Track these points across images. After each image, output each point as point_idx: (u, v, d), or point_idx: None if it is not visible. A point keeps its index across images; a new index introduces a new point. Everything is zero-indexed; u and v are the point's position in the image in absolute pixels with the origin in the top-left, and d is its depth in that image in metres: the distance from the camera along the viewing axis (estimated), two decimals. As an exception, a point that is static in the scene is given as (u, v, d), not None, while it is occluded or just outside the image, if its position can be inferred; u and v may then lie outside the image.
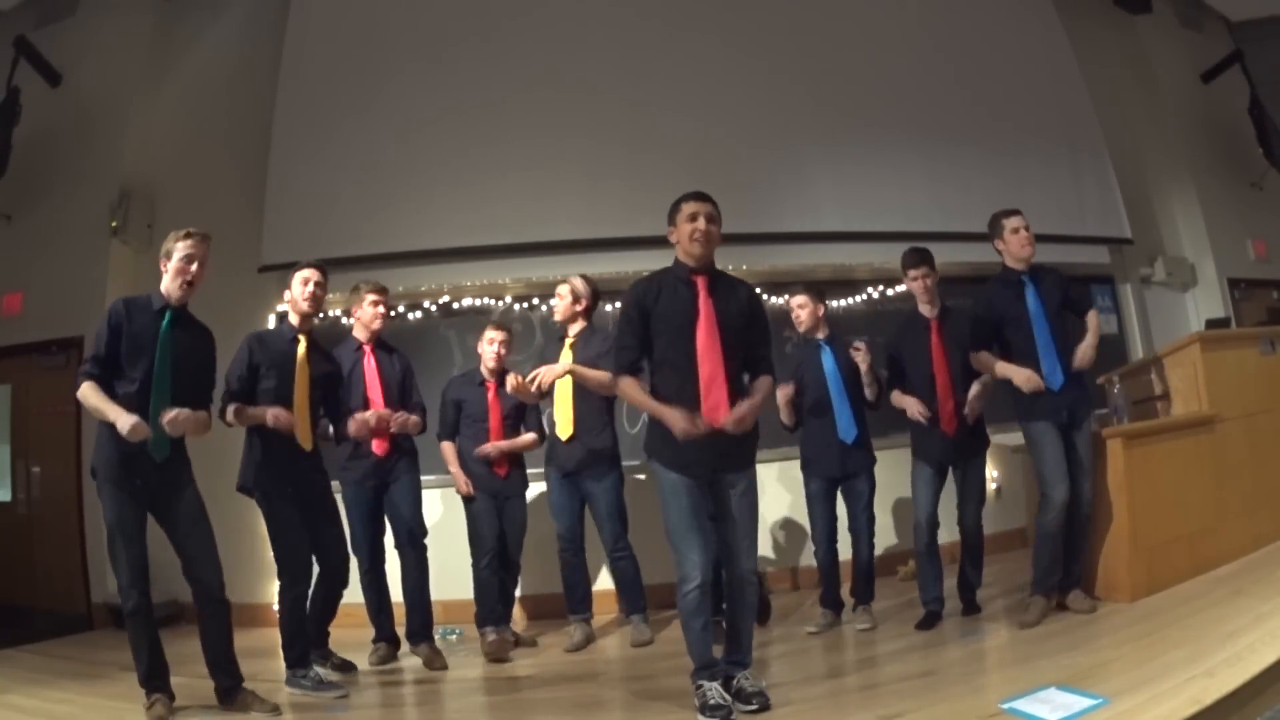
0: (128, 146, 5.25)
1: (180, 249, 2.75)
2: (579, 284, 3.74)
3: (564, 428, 3.62)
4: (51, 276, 5.10)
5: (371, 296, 3.55)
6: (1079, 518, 3.21)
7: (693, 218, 2.51)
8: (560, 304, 3.74)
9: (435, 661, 3.40)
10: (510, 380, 3.51)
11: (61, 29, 5.51)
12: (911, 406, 3.42)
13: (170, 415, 2.63)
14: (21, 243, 5.21)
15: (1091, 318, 3.33)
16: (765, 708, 2.40)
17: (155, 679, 2.68)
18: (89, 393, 2.64)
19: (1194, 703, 1.95)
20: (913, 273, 3.50)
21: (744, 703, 2.42)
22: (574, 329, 3.70)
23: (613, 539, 3.65)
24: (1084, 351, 3.21)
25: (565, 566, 3.72)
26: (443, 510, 4.28)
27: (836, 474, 3.57)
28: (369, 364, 3.51)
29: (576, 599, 3.73)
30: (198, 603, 2.76)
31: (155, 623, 2.72)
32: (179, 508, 2.74)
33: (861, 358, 3.48)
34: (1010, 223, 3.33)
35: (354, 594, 3.58)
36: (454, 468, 3.69)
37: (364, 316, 3.56)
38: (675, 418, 2.37)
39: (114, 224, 4.99)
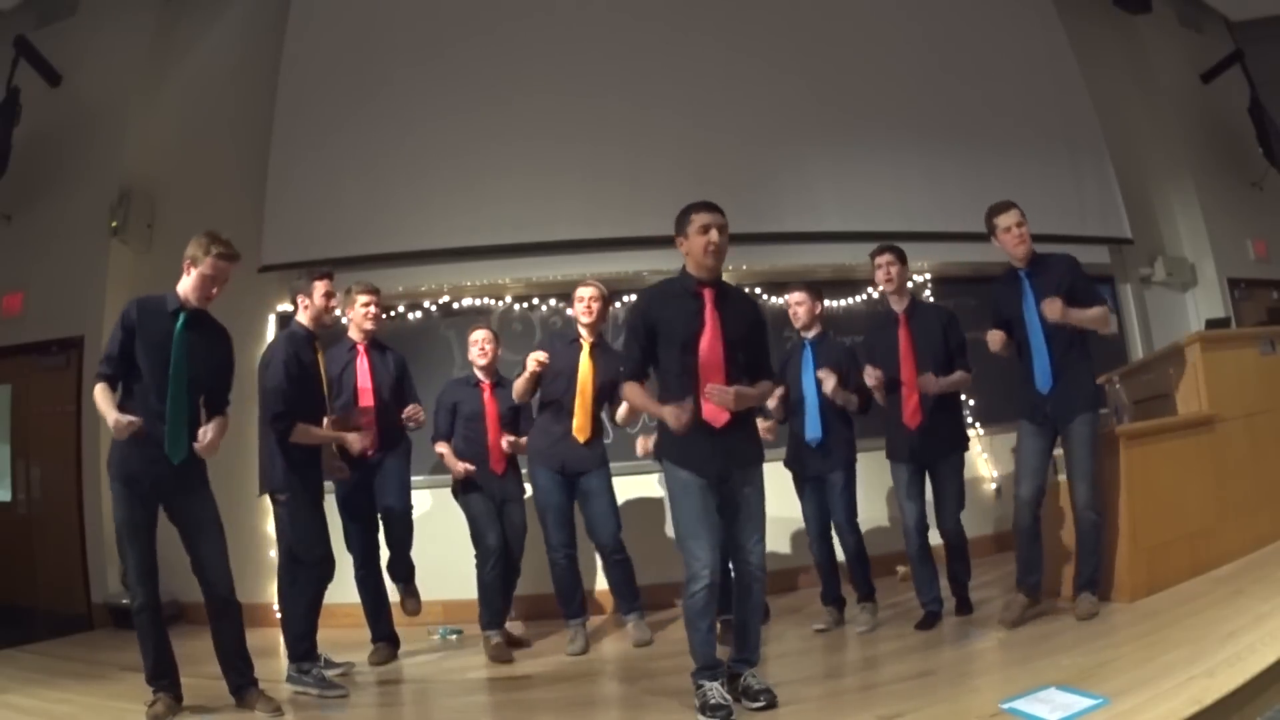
0: (128, 146, 5.25)
1: (207, 267, 2.71)
2: (599, 284, 3.72)
3: (583, 430, 3.58)
4: (51, 276, 5.10)
5: (363, 298, 3.55)
6: (1078, 521, 3.17)
7: (705, 229, 2.49)
8: (596, 307, 3.62)
9: (408, 605, 3.45)
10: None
11: (61, 29, 5.51)
12: (869, 375, 3.38)
13: (202, 442, 2.67)
14: (21, 243, 5.21)
15: (1094, 309, 3.08)
16: (772, 705, 2.41)
17: (161, 677, 2.69)
18: (97, 394, 2.67)
19: (1194, 703, 1.95)
20: (880, 259, 3.48)
21: (751, 700, 2.43)
22: (589, 336, 3.66)
23: (612, 539, 3.63)
24: (1060, 302, 3.03)
25: (560, 570, 3.62)
26: (441, 511, 4.28)
27: (811, 472, 3.57)
28: (361, 364, 3.53)
29: (576, 604, 3.66)
30: (207, 603, 2.77)
31: (162, 620, 2.72)
32: (190, 510, 2.75)
33: (828, 383, 3.42)
34: (1001, 221, 3.21)
35: (353, 594, 3.58)
36: (451, 461, 3.66)
37: (355, 317, 3.57)
38: (668, 413, 2.44)
39: (114, 224, 5.00)
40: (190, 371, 2.71)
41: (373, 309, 3.56)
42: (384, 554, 3.60)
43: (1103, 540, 3.16)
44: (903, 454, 3.44)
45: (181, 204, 5.22)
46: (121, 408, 2.65)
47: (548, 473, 3.60)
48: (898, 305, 3.49)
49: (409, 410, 3.55)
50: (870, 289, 5.18)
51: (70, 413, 4.90)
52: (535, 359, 3.51)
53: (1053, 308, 3.04)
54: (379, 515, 3.54)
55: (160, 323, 2.71)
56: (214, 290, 2.76)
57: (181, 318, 2.72)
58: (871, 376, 3.37)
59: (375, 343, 3.62)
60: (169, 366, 2.67)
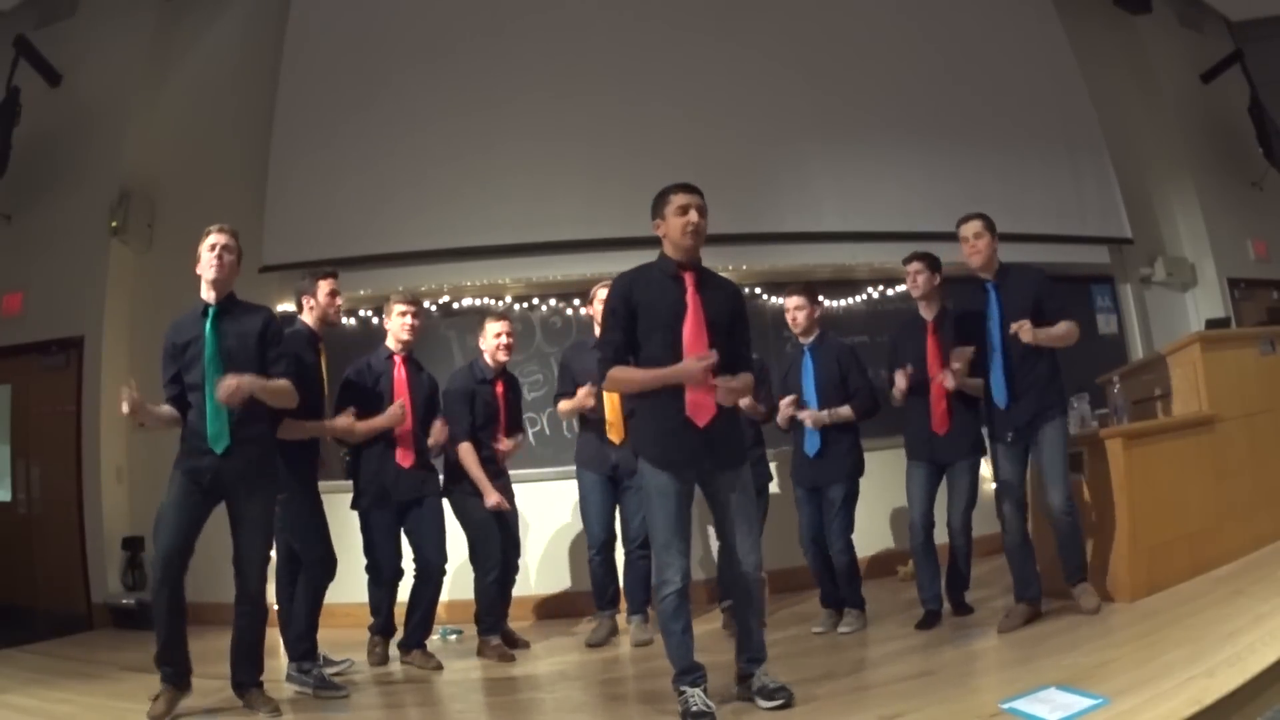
0: (128, 146, 5.26)
1: (203, 244, 2.80)
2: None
3: (618, 432, 3.63)
4: (51, 276, 5.11)
5: (400, 307, 3.54)
6: (1055, 525, 3.16)
7: (684, 210, 2.44)
8: None
9: (429, 663, 3.40)
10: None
11: (61, 29, 5.51)
12: (899, 376, 3.39)
13: (223, 384, 2.62)
14: (21, 243, 5.21)
15: (1060, 326, 3.06)
16: (789, 704, 2.36)
17: (167, 663, 2.67)
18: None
19: (1194, 703, 1.95)
20: (909, 267, 3.50)
21: (767, 699, 2.38)
22: None
23: (642, 536, 3.65)
24: (1029, 325, 2.98)
25: (596, 566, 3.73)
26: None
27: (807, 484, 3.59)
28: (399, 374, 3.49)
29: (607, 598, 3.76)
30: (235, 599, 2.79)
31: (179, 606, 2.68)
32: (239, 506, 2.77)
33: (809, 420, 3.49)
34: (961, 231, 3.24)
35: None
36: (485, 483, 3.51)
37: (393, 328, 3.55)
38: (685, 368, 2.36)
39: (114, 224, 5.00)
40: (223, 355, 2.72)
41: (409, 319, 3.53)
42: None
43: (1082, 531, 3.19)
44: (922, 454, 3.45)
45: (181, 204, 5.22)
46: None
47: (593, 475, 3.68)
48: (926, 312, 3.50)
49: (438, 432, 3.53)
50: (870, 289, 5.19)
51: (70, 413, 4.91)
52: (587, 394, 3.59)
53: (1025, 332, 3.01)
54: (415, 559, 3.52)
55: (194, 328, 2.77)
56: (215, 254, 2.76)
57: (211, 312, 2.77)
58: (901, 377, 3.38)
59: (410, 358, 3.58)
60: (204, 364, 2.72)
